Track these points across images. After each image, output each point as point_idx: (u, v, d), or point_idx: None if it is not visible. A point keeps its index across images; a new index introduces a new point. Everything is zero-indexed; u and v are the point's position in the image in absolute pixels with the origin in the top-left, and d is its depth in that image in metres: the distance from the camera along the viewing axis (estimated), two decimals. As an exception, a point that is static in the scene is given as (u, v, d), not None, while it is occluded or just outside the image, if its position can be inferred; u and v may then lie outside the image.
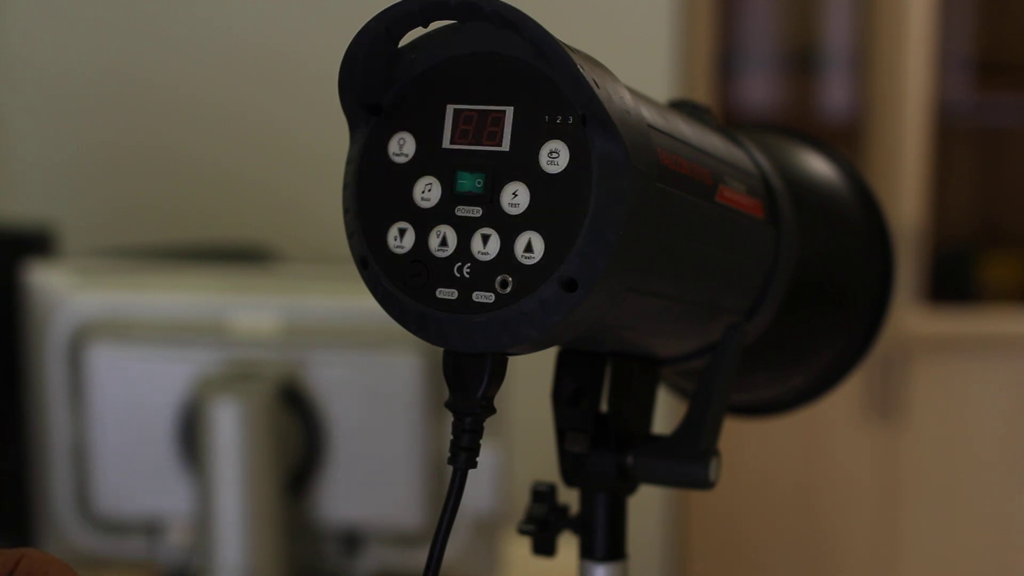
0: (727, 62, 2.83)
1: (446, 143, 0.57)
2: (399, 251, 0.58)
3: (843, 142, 2.64)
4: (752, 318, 0.72)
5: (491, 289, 0.56)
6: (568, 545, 0.74)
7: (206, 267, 1.57)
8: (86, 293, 1.40)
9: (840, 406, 2.62)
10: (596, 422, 0.71)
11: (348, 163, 0.60)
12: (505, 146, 0.56)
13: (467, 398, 0.58)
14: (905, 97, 2.58)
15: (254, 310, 1.39)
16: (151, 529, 1.39)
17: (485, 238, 0.56)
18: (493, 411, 0.59)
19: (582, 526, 0.73)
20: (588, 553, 0.73)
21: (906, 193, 2.59)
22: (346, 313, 1.38)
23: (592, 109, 0.54)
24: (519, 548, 1.32)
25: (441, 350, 0.58)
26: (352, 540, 1.38)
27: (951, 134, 2.78)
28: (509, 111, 0.57)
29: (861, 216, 0.83)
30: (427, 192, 0.57)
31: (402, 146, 0.58)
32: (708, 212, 0.64)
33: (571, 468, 0.71)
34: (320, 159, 2.01)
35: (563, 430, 0.71)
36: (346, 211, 0.59)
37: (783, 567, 2.69)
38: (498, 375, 0.58)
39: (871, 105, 2.66)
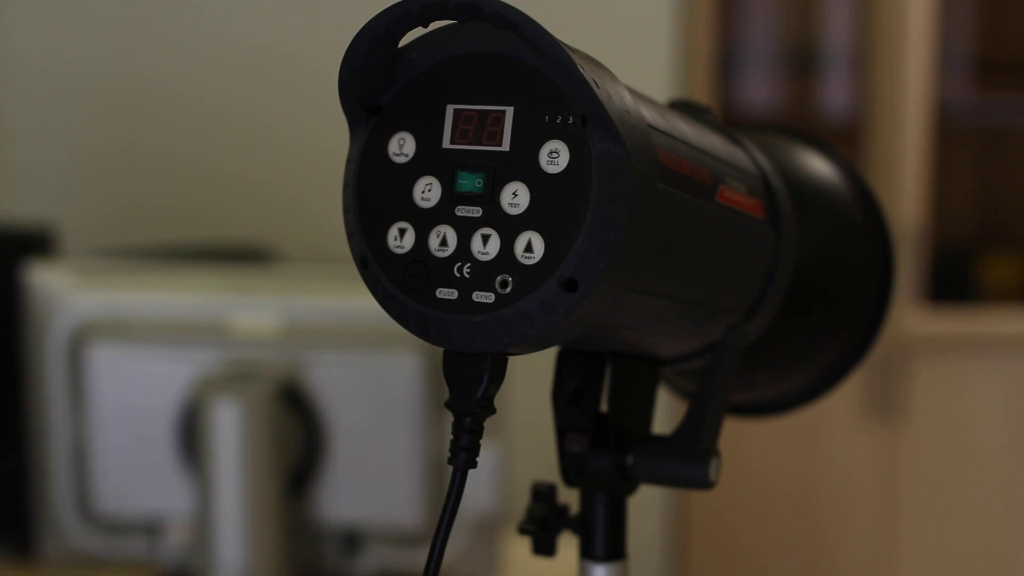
0: (727, 62, 2.83)
1: (446, 143, 0.57)
2: (399, 251, 0.58)
3: (843, 142, 2.64)
4: (752, 318, 0.72)
5: (491, 289, 0.56)
6: (568, 545, 0.74)
7: (206, 267, 1.57)
8: (86, 293, 1.40)
9: (840, 406, 2.62)
10: (596, 422, 0.71)
11: (348, 163, 0.60)
12: (505, 146, 0.56)
13: (467, 398, 0.58)
14: (905, 97, 2.58)
15: (254, 310, 1.39)
16: (151, 529, 1.39)
17: (485, 238, 0.56)
18: (493, 411, 0.59)
19: (582, 526, 0.72)
20: (588, 553, 0.73)
21: (906, 193, 2.59)
22: (346, 313, 1.38)
23: (592, 109, 0.54)
24: (519, 548, 1.32)
25: (441, 350, 0.58)
26: (352, 540, 1.38)
27: (951, 134, 2.78)
28: (509, 111, 0.56)
29: (861, 216, 0.83)
30: (427, 192, 0.57)
31: (402, 146, 0.58)
32: (708, 212, 0.63)
33: (571, 468, 0.71)
34: (320, 159, 2.01)
35: (563, 430, 0.71)
36: (346, 211, 0.59)
37: (783, 567, 2.69)
38: (498, 375, 0.58)
39: (871, 105, 2.66)
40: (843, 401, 2.61)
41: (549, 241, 0.55)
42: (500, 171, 0.56)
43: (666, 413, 0.81)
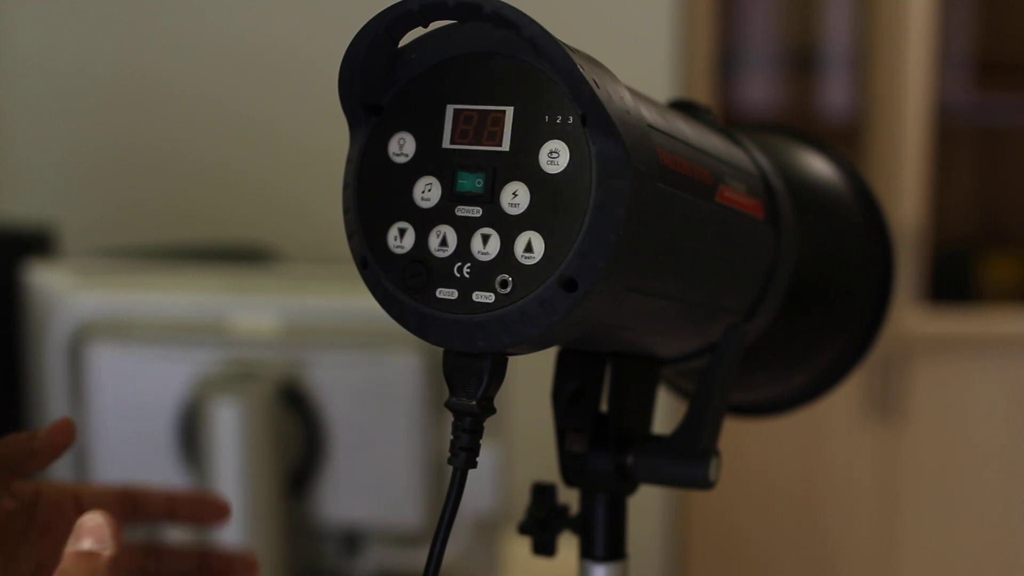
0: (727, 62, 2.83)
1: (446, 143, 0.57)
2: (399, 251, 0.58)
3: (843, 142, 2.64)
4: (752, 318, 0.72)
5: (491, 289, 0.56)
6: (568, 545, 0.74)
7: (206, 267, 1.57)
8: (86, 293, 1.40)
9: (840, 406, 2.62)
10: (596, 422, 0.71)
11: (348, 163, 0.60)
12: (505, 146, 0.56)
13: (467, 398, 0.58)
14: (905, 97, 2.58)
15: (254, 310, 1.39)
16: (151, 529, 1.39)
17: (485, 238, 0.56)
18: (493, 411, 0.59)
19: (582, 526, 0.72)
20: (588, 553, 0.73)
21: (906, 193, 2.59)
22: (346, 313, 1.38)
23: (592, 109, 0.54)
24: (519, 548, 1.32)
25: (441, 350, 0.58)
26: (352, 540, 1.38)
27: (951, 134, 2.78)
28: (509, 111, 0.56)
29: (861, 216, 0.83)
30: (427, 192, 0.57)
31: (402, 146, 0.58)
32: (708, 212, 0.63)
33: (571, 468, 0.71)
34: (320, 159, 2.01)
35: (563, 430, 0.71)
36: (346, 211, 0.59)
37: (783, 567, 2.69)
38: (498, 375, 0.58)
39: (871, 105, 2.66)
40: (843, 401, 2.61)
41: (549, 241, 0.55)
42: (500, 171, 0.56)
43: (666, 413, 0.81)
